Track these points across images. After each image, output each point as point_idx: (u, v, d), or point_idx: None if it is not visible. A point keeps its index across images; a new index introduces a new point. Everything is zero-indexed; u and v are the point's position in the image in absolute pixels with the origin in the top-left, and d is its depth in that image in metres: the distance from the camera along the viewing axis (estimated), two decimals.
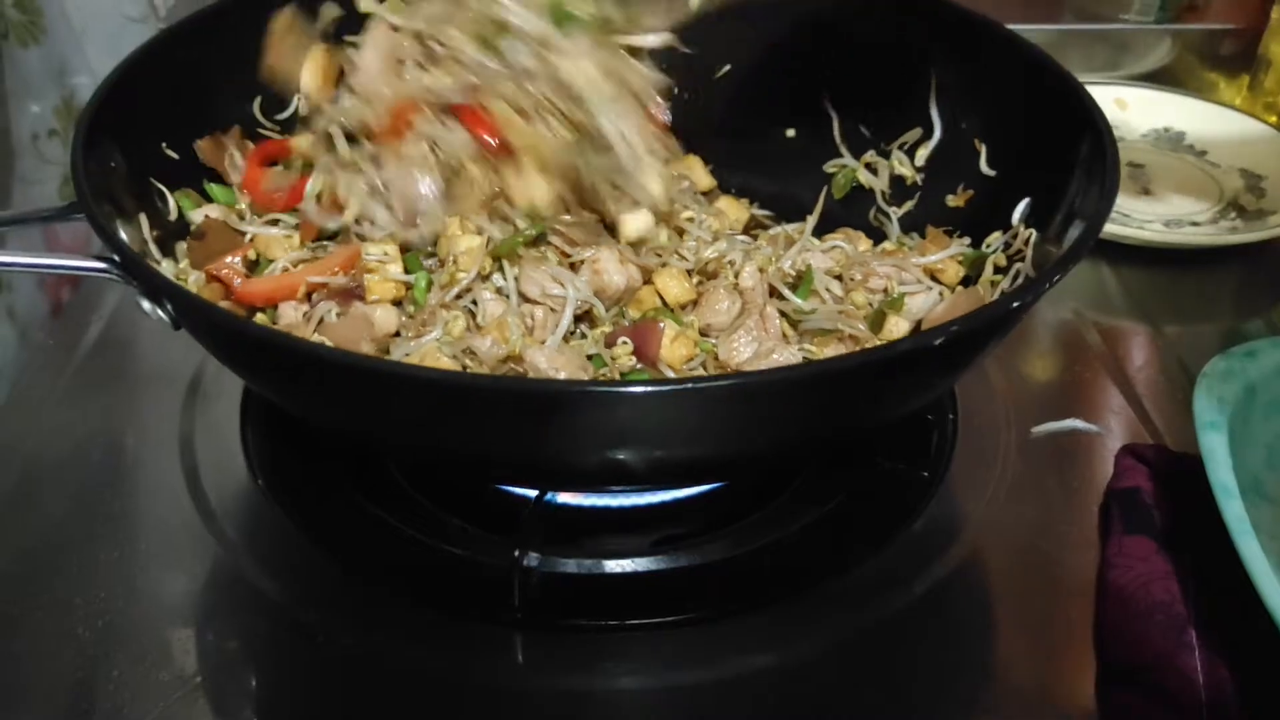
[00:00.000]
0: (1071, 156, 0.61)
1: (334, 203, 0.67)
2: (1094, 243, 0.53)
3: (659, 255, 0.66)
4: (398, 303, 0.63)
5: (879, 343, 0.62)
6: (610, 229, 0.66)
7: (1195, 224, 0.90)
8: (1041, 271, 0.57)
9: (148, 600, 0.59)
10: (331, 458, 0.65)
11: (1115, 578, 0.58)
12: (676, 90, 0.82)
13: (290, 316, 0.61)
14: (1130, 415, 0.71)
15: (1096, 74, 1.12)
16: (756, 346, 0.60)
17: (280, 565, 0.60)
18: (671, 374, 0.59)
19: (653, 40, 0.66)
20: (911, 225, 0.75)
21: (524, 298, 0.62)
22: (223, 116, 0.72)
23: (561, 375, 0.55)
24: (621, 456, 0.48)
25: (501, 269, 0.63)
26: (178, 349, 0.72)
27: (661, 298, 0.64)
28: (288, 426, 0.67)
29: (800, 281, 0.65)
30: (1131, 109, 1.02)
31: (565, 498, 0.62)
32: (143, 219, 0.62)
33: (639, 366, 0.59)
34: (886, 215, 0.77)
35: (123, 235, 0.56)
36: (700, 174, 0.79)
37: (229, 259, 0.64)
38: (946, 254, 0.68)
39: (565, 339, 0.61)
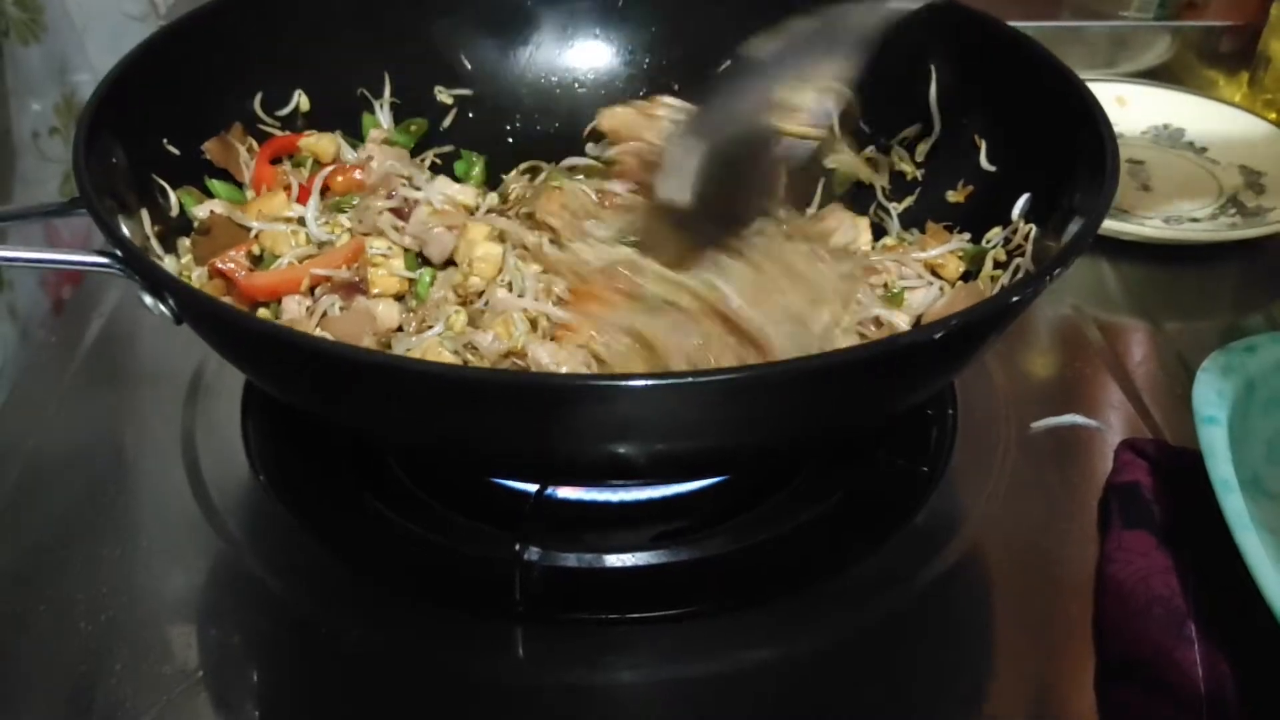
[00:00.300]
0: (1071, 153, 0.61)
1: None
2: (1093, 238, 0.53)
3: None
4: (400, 297, 0.63)
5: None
6: None
7: (1195, 220, 0.90)
8: (1041, 266, 0.57)
9: (150, 596, 0.59)
10: (333, 453, 0.65)
11: (1114, 572, 0.58)
12: (677, 87, 0.82)
13: (293, 311, 0.61)
14: (1130, 410, 0.72)
15: (1096, 71, 1.12)
16: None
17: (282, 560, 0.60)
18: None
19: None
20: (912, 221, 0.75)
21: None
22: (224, 113, 0.72)
23: (563, 370, 0.55)
24: (623, 450, 0.49)
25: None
26: (179, 346, 0.72)
27: None
28: (289, 422, 0.67)
29: None
30: (1131, 106, 1.02)
31: (566, 492, 0.62)
32: (144, 215, 0.62)
33: None
34: (886, 211, 0.77)
35: (124, 230, 0.56)
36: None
37: (232, 253, 0.64)
38: (946, 249, 0.68)
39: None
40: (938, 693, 0.56)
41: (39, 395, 0.72)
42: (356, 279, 0.62)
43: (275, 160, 0.73)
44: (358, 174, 0.72)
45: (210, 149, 0.70)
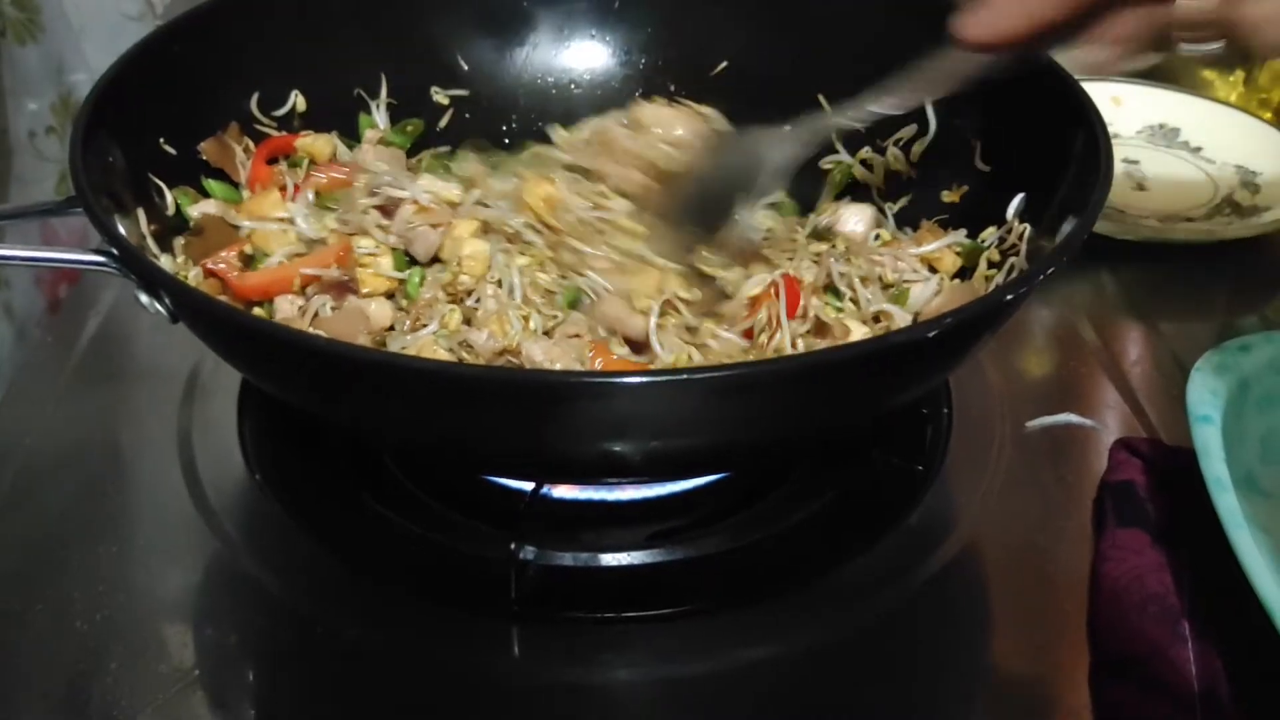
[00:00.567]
0: (1065, 152, 0.61)
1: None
2: (1087, 237, 0.53)
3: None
4: (391, 296, 0.63)
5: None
6: None
7: (1190, 220, 0.90)
8: (1034, 265, 0.57)
9: (146, 595, 0.59)
10: (329, 452, 0.65)
11: (1109, 570, 0.58)
12: (672, 88, 0.83)
13: (286, 310, 0.61)
14: (1125, 409, 0.72)
15: (1091, 70, 1.12)
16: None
17: (278, 559, 0.60)
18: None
19: None
20: (906, 220, 0.75)
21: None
22: (220, 113, 0.72)
23: (557, 366, 0.56)
24: (618, 448, 0.49)
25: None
26: (175, 345, 0.72)
27: None
28: (285, 422, 0.67)
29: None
30: (1126, 105, 1.02)
31: (561, 491, 0.62)
32: (140, 214, 0.62)
33: None
34: (882, 211, 0.77)
35: (120, 229, 0.56)
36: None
37: (224, 254, 0.64)
38: (943, 243, 0.68)
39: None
40: (933, 690, 0.56)
41: (35, 394, 0.72)
42: (346, 278, 0.62)
43: (272, 160, 0.73)
44: (338, 173, 0.72)
45: (206, 149, 0.70)
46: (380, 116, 0.79)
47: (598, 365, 0.58)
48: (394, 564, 0.60)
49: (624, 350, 0.61)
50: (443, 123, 0.81)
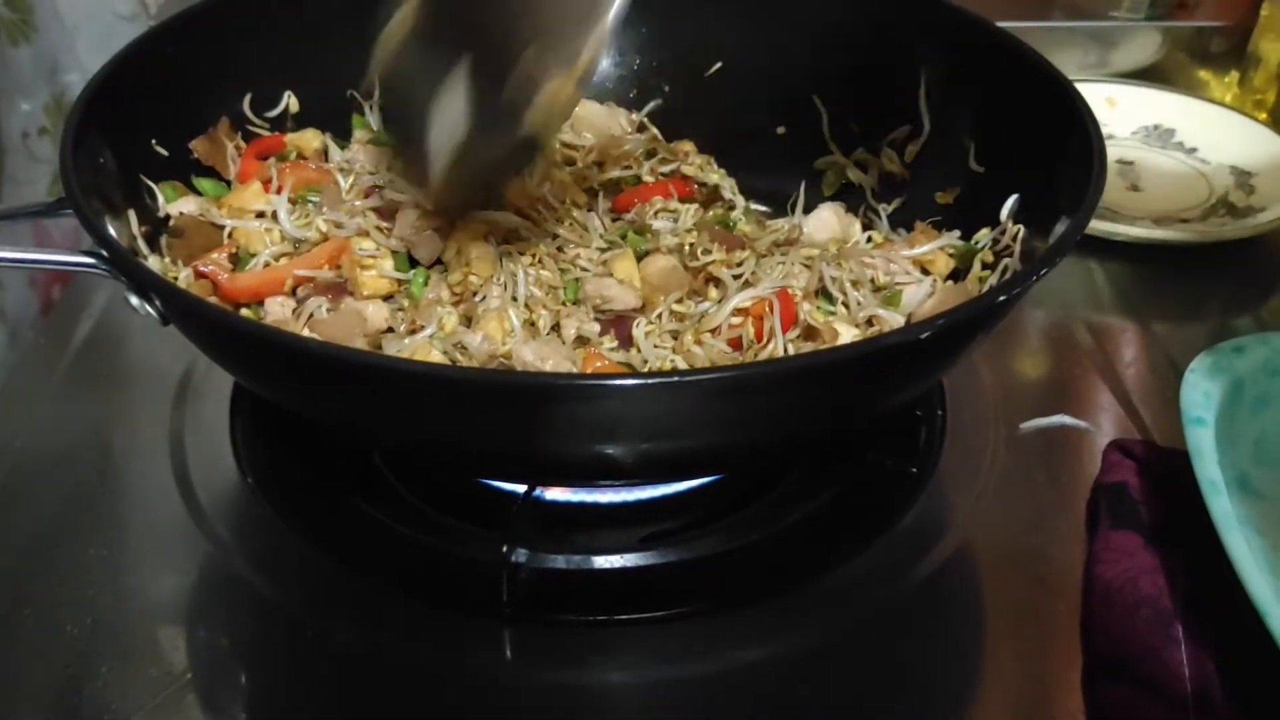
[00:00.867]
0: (1059, 153, 0.61)
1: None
2: (1080, 238, 0.53)
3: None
4: (388, 298, 0.63)
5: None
6: None
7: (1184, 221, 0.90)
8: (1028, 266, 0.57)
9: (137, 598, 0.58)
10: (321, 455, 0.65)
11: (1102, 572, 0.58)
12: (668, 89, 0.82)
13: (277, 312, 0.61)
14: (1119, 411, 0.72)
15: (1086, 71, 1.12)
16: None
17: (269, 562, 0.60)
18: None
19: None
20: (900, 221, 0.75)
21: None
22: (212, 113, 0.72)
23: (548, 366, 0.55)
24: (609, 450, 0.49)
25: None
26: (168, 347, 0.72)
27: None
28: (277, 424, 0.67)
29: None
30: (1121, 106, 1.02)
31: (554, 493, 0.62)
32: (131, 215, 0.62)
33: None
34: (876, 212, 0.77)
35: (111, 230, 0.56)
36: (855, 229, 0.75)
37: (214, 256, 0.64)
38: (936, 245, 0.68)
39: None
40: (927, 692, 0.56)
41: (27, 396, 0.72)
42: (341, 279, 0.61)
43: (264, 158, 0.73)
44: (312, 168, 0.72)
45: (198, 147, 0.70)
46: (373, 118, 0.79)
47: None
48: (386, 566, 0.60)
49: (612, 344, 0.61)
50: None
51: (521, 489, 0.61)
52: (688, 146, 0.79)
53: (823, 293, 0.66)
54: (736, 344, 0.62)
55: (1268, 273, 0.87)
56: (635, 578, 0.60)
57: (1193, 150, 0.98)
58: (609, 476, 0.58)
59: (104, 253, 0.52)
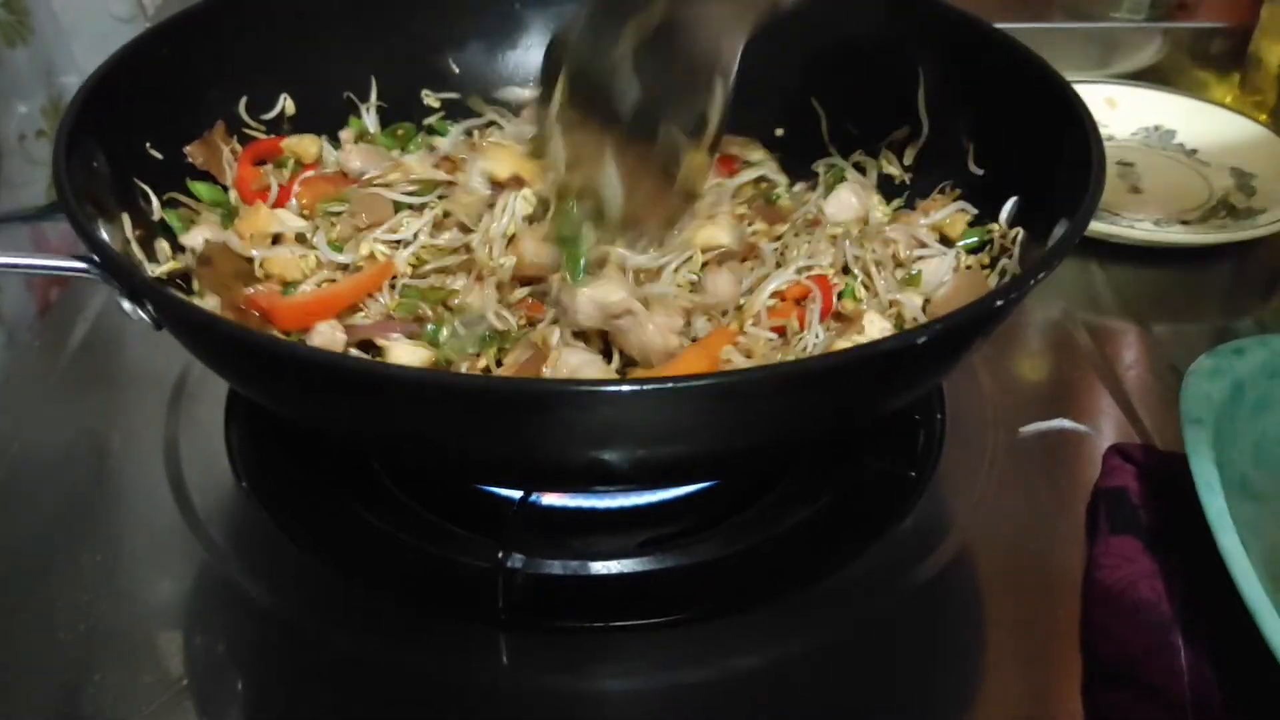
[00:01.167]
0: (1058, 155, 0.61)
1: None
2: (1079, 241, 0.53)
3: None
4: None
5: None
6: None
7: (1185, 223, 0.89)
8: (1026, 269, 0.57)
9: (131, 603, 0.58)
10: (316, 459, 0.65)
11: (1102, 578, 0.58)
12: None
13: (327, 336, 0.61)
14: (1119, 415, 0.71)
15: (1086, 72, 1.12)
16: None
17: (265, 567, 0.60)
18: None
19: None
20: None
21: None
22: (208, 116, 0.72)
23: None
24: (604, 456, 0.48)
25: None
26: (163, 350, 0.71)
27: None
28: (272, 428, 0.67)
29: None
30: (1121, 107, 1.01)
31: (550, 498, 0.62)
32: (125, 219, 0.61)
33: None
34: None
35: (104, 235, 0.56)
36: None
37: (262, 287, 0.64)
38: (951, 210, 0.68)
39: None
40: (926, 698, 0.55)
41: (21, 400, 0.72)
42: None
43: (259, 163, 0.73)
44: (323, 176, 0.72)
45: (193, 151, 0.70)
46: (370, 119, 0.79)
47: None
48: (381, 572, 0.60)
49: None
50: (432, 125, 0.81)
51: (518, 494, 0.60)
52: None
53: (845, 269, 0.66)
54: (780, 331, 0.62)
55: (1268, 275, 0.87)
56: (632, 583, 0.59)
57: (1193, 152, 0.98)
58: (604, 482, 0.58)
59: (96, 258, 0.51)
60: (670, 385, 0.45)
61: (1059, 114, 0.61)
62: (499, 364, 0.61)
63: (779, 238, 0.68)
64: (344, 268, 0.67)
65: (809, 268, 0.65)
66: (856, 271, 0.66)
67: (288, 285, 0.66)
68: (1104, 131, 0.59)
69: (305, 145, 0.74)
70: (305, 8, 0.76)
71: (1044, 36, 1.20)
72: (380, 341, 0.61)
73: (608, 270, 0.61)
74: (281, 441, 0.66)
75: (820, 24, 0.76)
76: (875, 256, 0.66)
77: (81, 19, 1.03)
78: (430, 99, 0.81)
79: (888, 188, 0.76)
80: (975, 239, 0.68)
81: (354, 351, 0.61)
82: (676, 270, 0.64)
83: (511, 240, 0.66)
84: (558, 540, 0.61)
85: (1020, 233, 0.64)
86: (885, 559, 0.61)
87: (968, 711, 0.55)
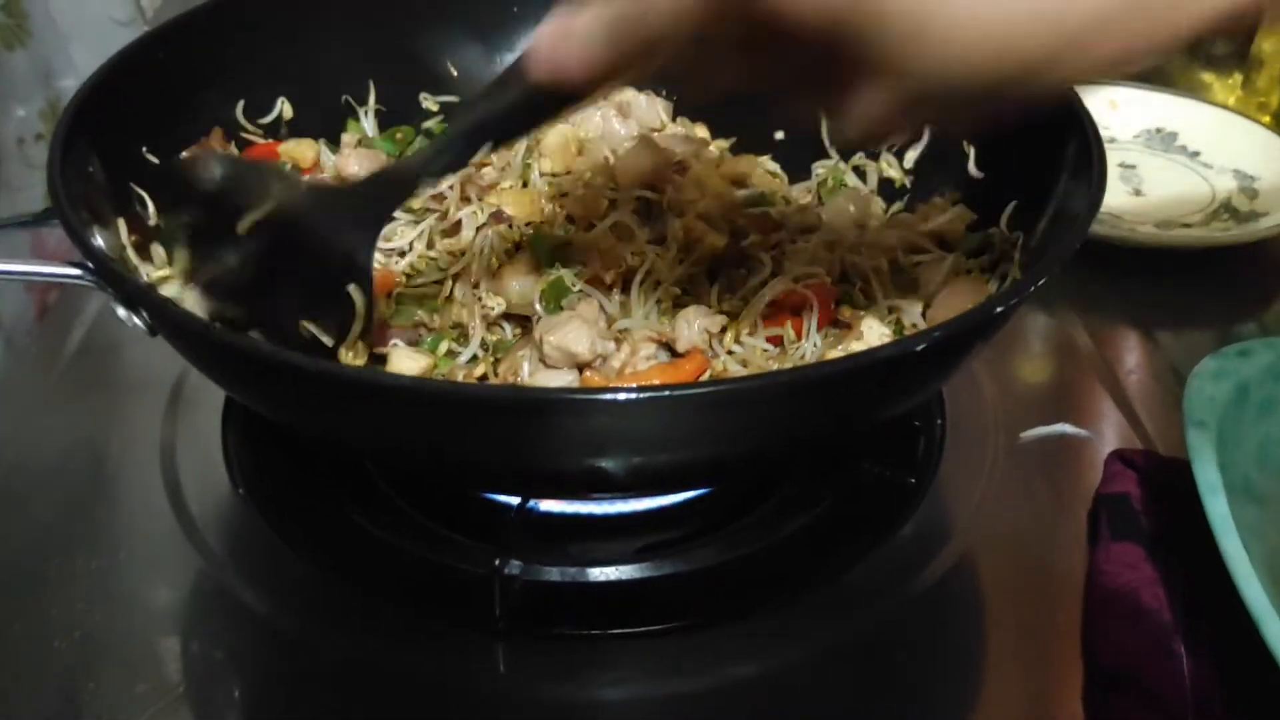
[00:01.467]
0: (1059, 158, 0.60)
1: None
2: (1080, 246, 0.52)
3: None
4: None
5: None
6: None
7: (1187, 225, 0.89)
8: (1026, 275, 0.56)
9: (127, 610, 0.58)
10: (312, 465, 0.65)
11: (1103, 584, 0.57)
12: (664, 93, 0.82)
13: (406, 365, 0.60)
14: (1120, 419, 0.71)
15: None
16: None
17: (262, 574, 0.59)
18: None
19: None
20: None
21: None
22: (204, 120, 0.72)
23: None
24: (602, 464, 0.48)
25: None
26: (160, 355, 0.71)
27: None
28: (269, 434, 0.67)
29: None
30: (1123, 109, 1.01)
31: (548, 505, 0.61)
32: (121, 224, 0.61)
33: None
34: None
35: (98, 241, 0.55)
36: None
37: None
38: (949, 216, 0.68)
39: None
40: (926, 704, 0.55)
41: (17, 405, 0.71)
42: None
43: None
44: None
45: (189, 158, 0.69)
46: (368, 124, 0.78)
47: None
48: (378, 578, 0.59)
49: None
50: (431, 129, 0.81)
51: (515, 500, 0.60)
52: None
53: (842, 277, 0.66)
54: (777, 341, 0.62)
55: (1271, 278, 0.86)
56: (630, 590, 0.59)
57: (1195, 154, 0.98)
58: (602, 489, 0.57)
59: (90, 264, 0.51)
60: (667, 394, 0.44)
61: (1060, 118, 0.61)
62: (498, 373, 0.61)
63: (775, 245, 0.67)
64: None
65: (806, 275, 0.64)
66: (854, 278, 0.65)
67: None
68: (1105, 133, 0.59)
69: (303, 150, 0.74)
70: (303, 12, 0.75)
71: None
72: (380, 349, 0.61)
73: (580, 310, 0.61)
74: (278, 447, 0.66)
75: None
76: (873, 263, 0.66)
77: (80, 22, 1.03)
78: (429, 102, 0.81)
79: (888, 191, 0.76)
80: (975, 243, 0.67)
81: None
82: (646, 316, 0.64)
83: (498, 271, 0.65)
84: (555, 546, 0.60)
85: (1021, 237, 0.64)
86: (885, 565, 0.60)
87: (969, 718, 0.54)
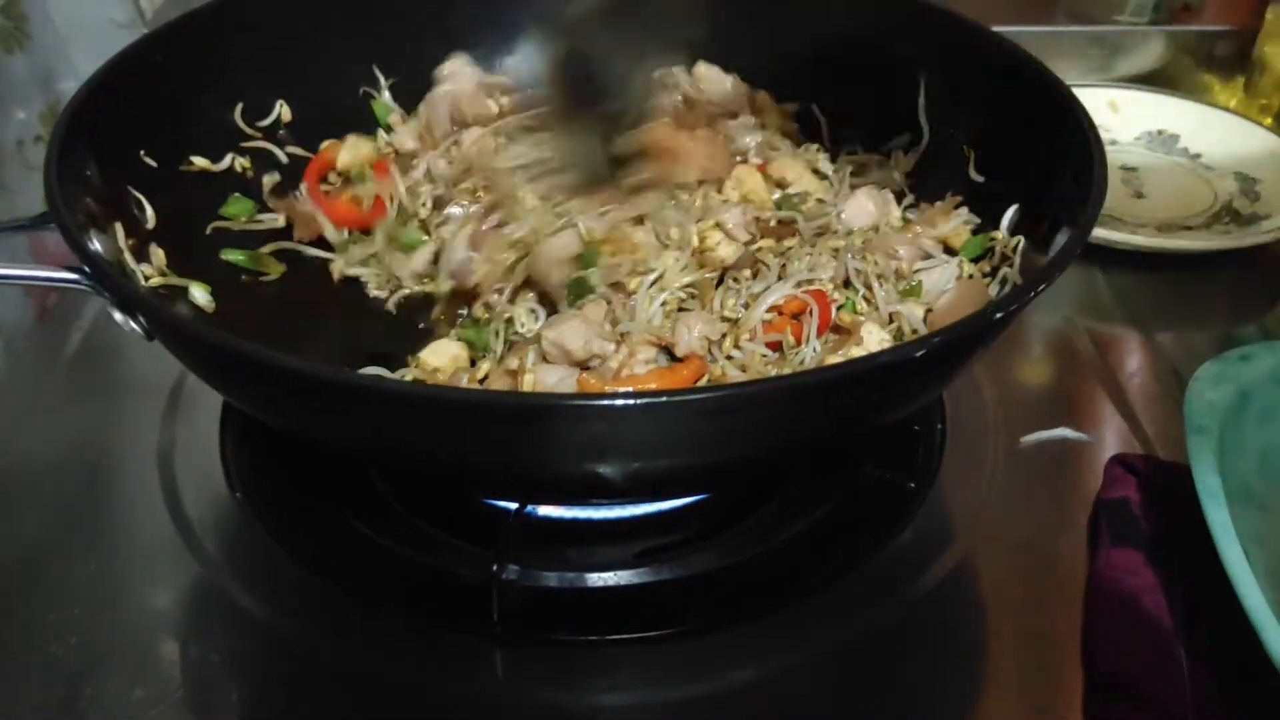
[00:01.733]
0: (1059, 162, 0.60)
1: None
2: (1080, 250, 0.52)
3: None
4: None
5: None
6: None
7: (1188, 228, 0.89)
8: (1027, 280, 0.56)
9: (125, 615, 0.58)
10: (310, 470, 0.65)
11: (1103, 589, 0.57)
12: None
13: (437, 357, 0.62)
14: (1121, 424, 0.71)
15: (1090, 76, 1.11)
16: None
17: (259, 579, 0.59)
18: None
19: None
20: None
21: None
22: (203, 123, 0.72)
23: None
24: (600, 469, 0.48)
25: None
26: (159, 358, 0.71)
27: None
28: (267, 438, 0.66)
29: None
30: (1125, 111, 1.01)
31: (546, 510, 0.61)
32: (118, 228, 0.61)
33: None
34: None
35: (96, 245, 0.55)
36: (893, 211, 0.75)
37: None
38: (956, 224, 0.68)
39: None
40: (927, 708, 0.55)
41: (17, 408, 0.71)
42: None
43: (322, 180, 0.74)
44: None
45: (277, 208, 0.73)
46: (387, 98, 0.80)
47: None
48: (376, 583, 0.59)
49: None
50: None
51: (513, 505, 0.60)
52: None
53: (847, 282, 0.66)
54: (776, 346, 0.62)
55: (1273, 281, 0.86)
56: (629, 595, 0.59)
57: (1197, 156, 0.97)
58: (601, 494, 0.57)
59: (86, 268, 0.51)
60: (665, 399, 0.44)
61: (1060, 121, 0.61)
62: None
63: (785, 252, 0.67)
64: None
65: (808, 281, 0.64)
66: (858, 285, 0.65)
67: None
68: (1107, 136, 0.59)
69: (363, 150, 0.75)
70: (301, 14, 0.75)
71: (1047, 40, 1.19)
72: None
73: (586, 310, 0.62)
74: (276, 452, 0.66)
75: (820, 31, 0.76)
76: (878, 270, 0.65)
77: (80, 25, 1.03)
78: None
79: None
80: (977, 247, 0.67)
81: None
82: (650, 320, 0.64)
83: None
84: (553, 551, 0.60)
85: (1021, 241, 0.63)
86: (885, 569, 0.60)
87: None
